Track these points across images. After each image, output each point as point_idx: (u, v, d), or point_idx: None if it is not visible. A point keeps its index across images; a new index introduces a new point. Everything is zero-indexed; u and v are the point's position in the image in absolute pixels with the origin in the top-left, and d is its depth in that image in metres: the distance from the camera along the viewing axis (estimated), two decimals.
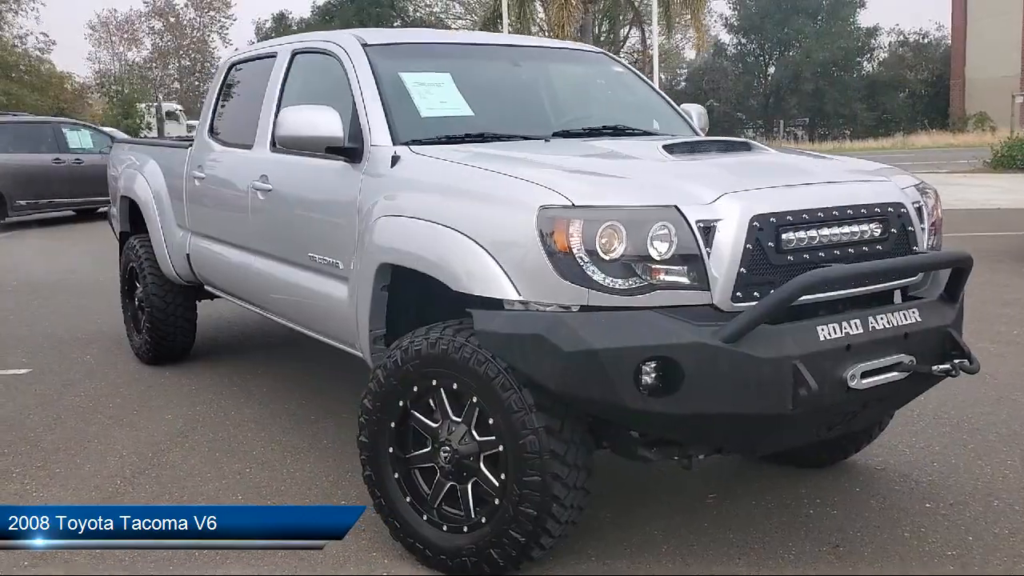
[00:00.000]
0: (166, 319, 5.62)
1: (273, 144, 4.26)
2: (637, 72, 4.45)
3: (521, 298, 2.69)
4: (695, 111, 4.51)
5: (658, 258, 2.60)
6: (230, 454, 4.26)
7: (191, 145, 5.19)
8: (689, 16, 24.58)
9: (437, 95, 3.75)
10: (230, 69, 5.05)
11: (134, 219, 6.04)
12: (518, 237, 2.71)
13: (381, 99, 3.62)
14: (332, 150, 3.58)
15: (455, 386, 2.92)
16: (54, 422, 4.78)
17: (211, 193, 4.79)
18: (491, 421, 2.83)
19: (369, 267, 3.31)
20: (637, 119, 4.15)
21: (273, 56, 4.51)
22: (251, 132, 4.44)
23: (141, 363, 5.88)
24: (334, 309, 3.69)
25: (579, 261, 2.61)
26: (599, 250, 2.59)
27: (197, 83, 64.72)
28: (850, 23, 46.39)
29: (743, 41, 48.55)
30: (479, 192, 2.91)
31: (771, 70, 47.69)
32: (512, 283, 2.71)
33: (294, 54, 4.34)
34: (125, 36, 62.16)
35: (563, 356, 2.57)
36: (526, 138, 3.68)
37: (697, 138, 4.01)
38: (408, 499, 3.11)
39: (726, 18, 48.41)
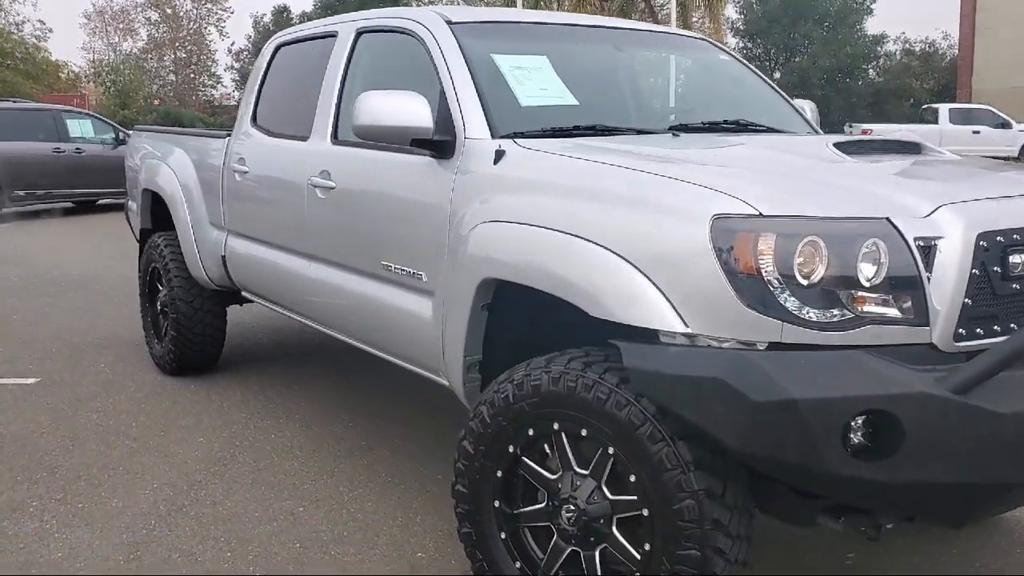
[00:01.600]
0: (193, 326, 5.08)
1: (335, 136, 3.74)
2: (743, 61, 3.94)
3: (688, 330, 2.17)
4: (808, 107, 4.00)
5: (867, 284, 2.08)
6: (277, 488, 3.73)
7: (229, 135, 4.64)
8: (707, 20, 24.12)
9: (536, 81, 3.22)
10: (277, 51, 4.51)
11: (157, 215, 5.49)
12: (684, 253, 2.19)
13: (475, 85, 3.10)
14: (417, 143, 3.06)
15: (583, 432, 2.39)
16: (71, 443, 4.23)
17: (256, 189, 4.26)
18: (632, 478, 2.31)
19: (466, 282, 2.79)
20: (755, 113, 3.64)
21: (332, 36, 3.97)
22: (306, 122, 3.90)
23: (162, 373, 5.34)
24: (413, 328, 3.16)
25: (769, 286, 2.09)
26: (796, 273, 2.07)
27: (192, 75, 64.04)
28: (857, 30, 46.02)
29: (749, 45, 48.11)
30: (627, 196, 2.38)
31: (776, 75, 47.32)
32: (675, 311, 2.19)
33: (359, 33, 3.80)
34: (120, 26, 61.47)
35: (751, 407, 2.05)
36: (642, 131, 3.16)
37: (861, 137, 3.48)
38: (517, 564, 2.59)
39: (732, 22, 48.05)
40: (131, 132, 6.11)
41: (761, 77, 3.91)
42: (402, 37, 3.52)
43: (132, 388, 5.10)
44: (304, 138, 3.91)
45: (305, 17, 41.26)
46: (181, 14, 63.19)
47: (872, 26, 48.15)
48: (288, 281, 4.05)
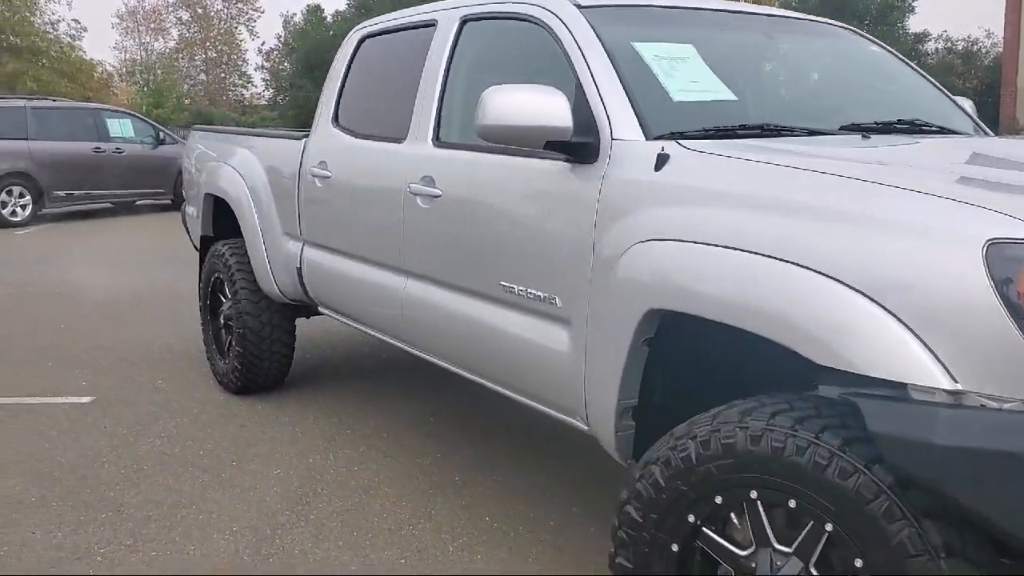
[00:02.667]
0: (261, 342, 4.68)
1: (436, 137, 3.31)
2: (896, 53, 3.47)
3: (957, 386, 1.71)
4: (967, 105, 3.52)
5: None
6: (371, 534, 3.30)
7: (305, 136, 4.23)
8: None
9: (685, 73, 2.78)
10: (361, 43, 4.09)
11: (220, 221, 5.10)
12: (949, 288, 1.73)
13: (619, 78, 2.65)
14: (551, 146, 2.62)
15: (791, 503, 1.94)
16: (136, 475, 3.84)
17: (340, 197, 3.84)
18: (858, 562, 1.85)
19: (624, 311, 2.34)
20: (921, 110, 3.16)
21: (430, 25, 3.55)
22: (401, 122, 3.48)
23: (226, 392, 4.94)
24: (543, 362, 2.72)
25: None
26: None
27: (223, 75, 64.21)
28: (899, 28, 45.04)
29: None
30: (862, 215, 1.92)
31: None
32: (938, 360, 1.73)
33: (464, 22, 3.37)
34: (152, 26, 61.80)
35: None
36: (814, 132, 2.71)
37: None
38: None
39: None
40: (189, 132, 5.74)
41: (918, 71, 3.44)
42: (519, 25, 3.08)
43: (195, 409, 4.71)
44: (399, 140, 3.48)
45: (338, 17, 40.85)
46: (212, 14, 63.48)
47: (914, 24, 47.12)
48: (379, 300, 3.62)
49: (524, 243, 2.79)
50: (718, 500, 2.06)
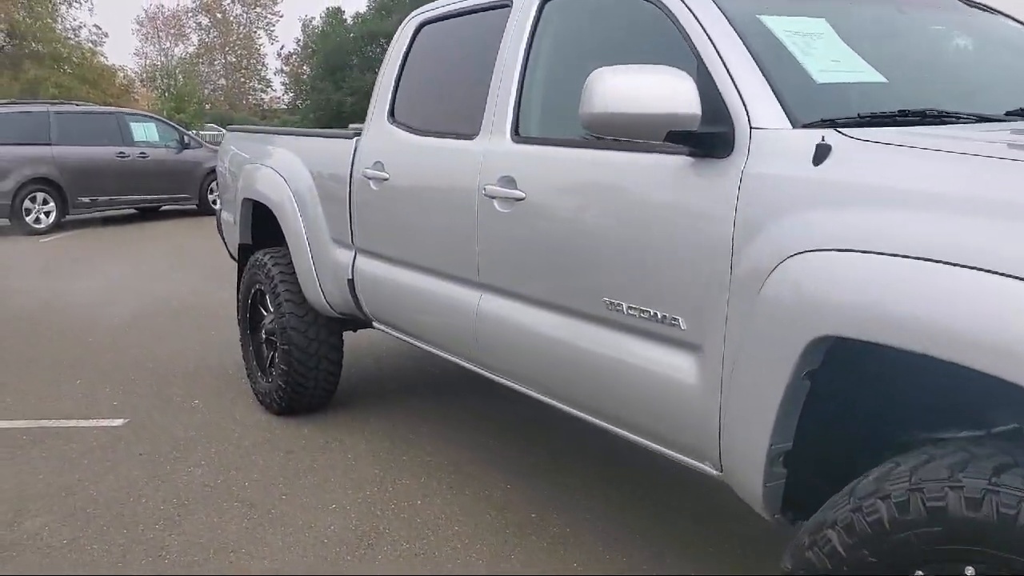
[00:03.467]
0: (307, 359, 4.29)
1: (516, 132, 2.91)
2: None
3: None
4: None
5: None
6: None
7: (357, 134, 3.83)
8: None
9: (822, 50, 2.36)
10: (419, 30, 3.69)
11: (260, 228, 4.72)
12: None
13: (752, 56, 2.24)
14: (672, 137, 2.20)
15: None
16: (177, 512, 3.46)
17: (400, 201, 3.44)
18: None
19: (782, 339, 1.92)
20: None
21: (503, 7, 3.14)
22: (472, 116, 3.08)
23: (268, 412, 4.56)
24: (663, 395, 2.30)
25: None
26: None
27: (242, 79, 64.28)
28: None
29: None
30: None
31: None
32: None
33: (544, 0, 2.97)
34: (172, 32, 61.96)
35: None
36: (984, 118, 2.28)
37: None
38: None
39: None
40: (224, 133, 5.37)
41: None
42: (617, 2, 2.67)
43: (236, 433, 4.32)
44: (470, 136, 3.08)
45: (359, 18, 40.66)
46: (231, 19, 63.64)
47: None
48: (446, 316, 3.22)
49: (634, 252, 2.37)
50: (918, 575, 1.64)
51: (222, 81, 64.21)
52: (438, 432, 4.27)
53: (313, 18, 56.85)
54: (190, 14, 62.36)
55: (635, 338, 2.39)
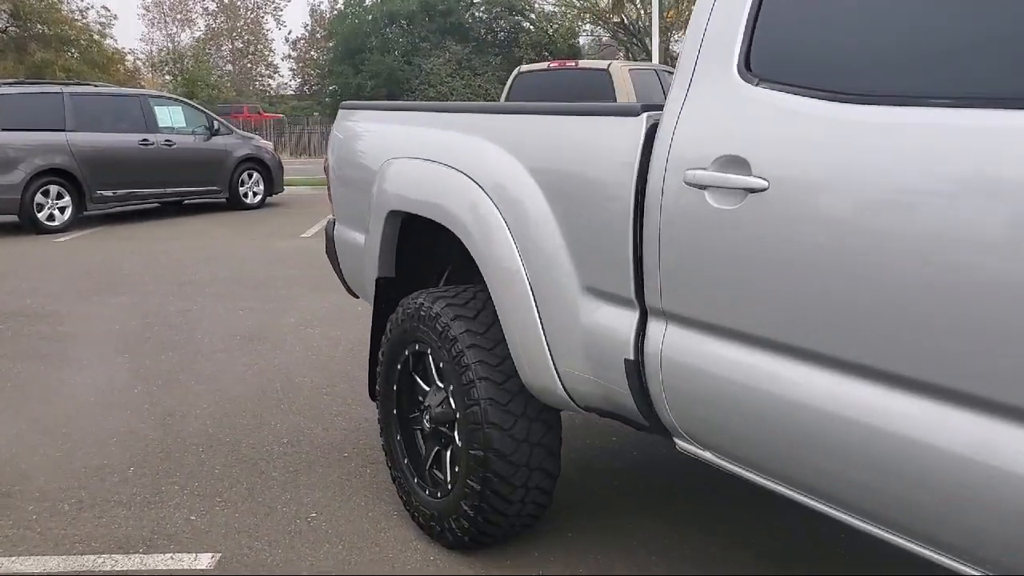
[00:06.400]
0: (512, 472, 2.68)
1: None
2: None
3: None
4: None
5: None
6: None
7: (646, 110, 2.18)
8: None
9: None
10: None
11: (409, 254, 3.13)
12: None
13: None
14: None
15: None
16: None
17: (803, 230, 1.77)
18: None
19: None
20: None
21: None
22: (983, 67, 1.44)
23: (431, 538, 2.95)
24: None
25: None
26: None
27: (249, 65, 62.55)
28: None
29: None
30: None
31: None
32: None
33: None
34: (178, 16, 60.21)
35: None
36: None
37: None
38: None
39: None
40: (340, 110, 3.72)
41: None
42: None
43: None
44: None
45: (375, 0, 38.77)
46: (238, 3, 61.91)
47: None
48: (910, 457, 1.59)
49: None
50: None
51: (229, 67, 62.51)
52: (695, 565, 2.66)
53: (321, 2, 54.88)
54: None
55: None
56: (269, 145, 14.42)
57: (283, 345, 5.54)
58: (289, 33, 72.87)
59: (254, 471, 3.61)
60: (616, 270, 2.23)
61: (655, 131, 2.14)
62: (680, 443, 2.24)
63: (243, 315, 6.42)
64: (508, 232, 2.55)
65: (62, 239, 10.66)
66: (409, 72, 35.96)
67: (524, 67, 11.95)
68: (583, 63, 12.08)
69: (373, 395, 3.35)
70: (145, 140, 12.08)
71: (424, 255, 3.28)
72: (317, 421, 4.15)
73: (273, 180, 13.72)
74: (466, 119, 2.90)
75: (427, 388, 3.00)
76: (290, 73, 63.67)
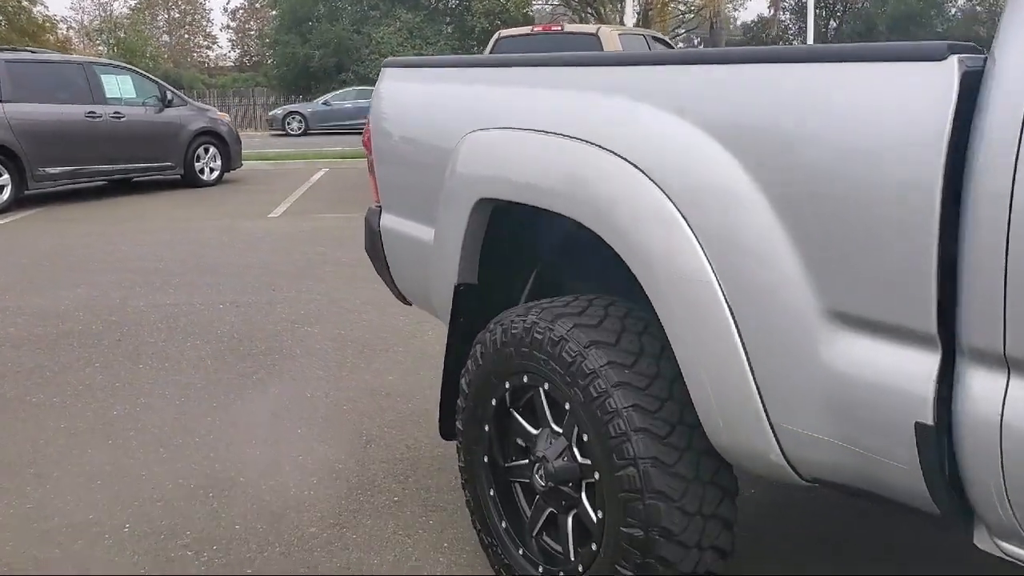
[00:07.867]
0: (682, 555, 1.97)
1: None
2: None
3: None
4: None
5: None
6: None
7: (952, 52, 1.47)
8: None
9: None
10: None
11: (498, 255, 2.39)
12: None
13: None
14: None
15: None
16: None
17: None
18: None
19: None
20: None
21: None
22: None
23: None
24: None
25: None
26: None
27: (186, 36, 60.30)
28: None
29: None
30: None
31: (832, 24, 43.73)
32: None
33: None
34: None
35: None
36: None
37: None
38: None
39: None
40: (383, 69, 2.91)
41: None
42: None
43: None
44: None
45: None
46: None
47: None
48: None
49: None
50: None
51: (165, 38, 60.14)
52: None
53: None
54: None
55: None
56: (226, 117, 13.39)
57: (280, 349, 4.74)
58: (228, 2, 70.46)
59: (274, 528, 2.84)
60: (900, 290, 1.52)
61: (978, 83, 1.43)
62: (1002, 544, 1.54)
63: (224, 310, 5.58)
64: (690, 232, 1.81)
65: (2, 222, 9.59)
66: (359, 41, 34.67)
67: (505, 32, 11.21)
68: (570, 27, 11.38)
69: (446, 433, 2.61)
70: (92, 112, 11.01)
71: (512, 254, 2.54)
72: (349, 454, 3.39)
73: (231, 155, 12.74)
74: (619, 75, 2.14)
75: (533, 431, 2.26)
76: (229, 44, 61.63)
